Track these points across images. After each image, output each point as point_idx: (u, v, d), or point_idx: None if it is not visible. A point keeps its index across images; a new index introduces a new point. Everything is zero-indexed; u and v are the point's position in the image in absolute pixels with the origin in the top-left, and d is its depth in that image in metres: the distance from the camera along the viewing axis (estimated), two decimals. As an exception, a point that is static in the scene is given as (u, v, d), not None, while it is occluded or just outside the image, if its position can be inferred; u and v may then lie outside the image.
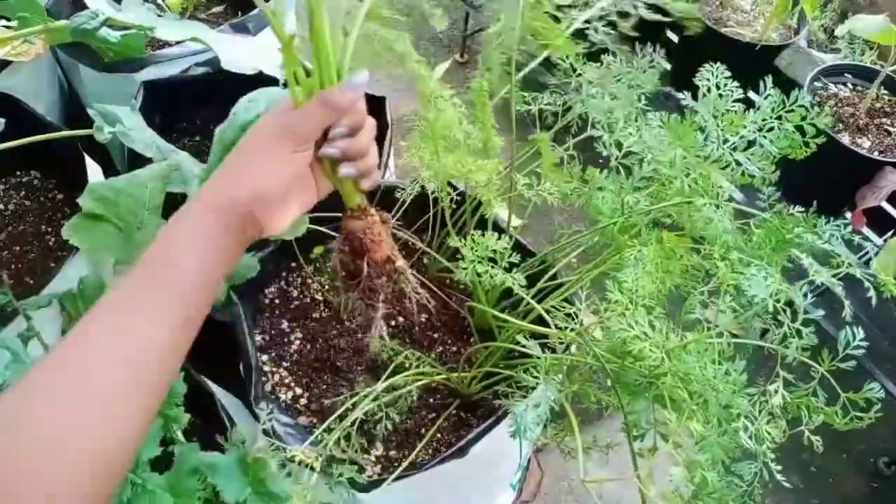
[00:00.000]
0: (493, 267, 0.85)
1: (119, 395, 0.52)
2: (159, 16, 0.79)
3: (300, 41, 0.66)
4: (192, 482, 0.95)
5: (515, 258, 0.92)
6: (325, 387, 1.30)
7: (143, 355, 0.54)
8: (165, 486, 0.93)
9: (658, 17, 0.90)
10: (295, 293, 1.43)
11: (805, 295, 0.81)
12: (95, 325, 0.55)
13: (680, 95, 0.94)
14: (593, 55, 1.08)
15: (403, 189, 1.31)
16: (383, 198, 1.37)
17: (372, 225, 0.73)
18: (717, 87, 0.93)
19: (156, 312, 0.56)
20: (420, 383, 1.15)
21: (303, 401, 1.28)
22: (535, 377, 0.91)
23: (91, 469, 0.50)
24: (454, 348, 1.35)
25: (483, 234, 0.79)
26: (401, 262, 0.74)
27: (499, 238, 0.83)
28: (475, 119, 0.78)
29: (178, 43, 1.76)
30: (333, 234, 1.18)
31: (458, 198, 1.18)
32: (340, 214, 0.74)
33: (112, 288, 0.58)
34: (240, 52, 1.32)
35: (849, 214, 1.88)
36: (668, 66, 2.38)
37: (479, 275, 0.86)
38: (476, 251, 0.78)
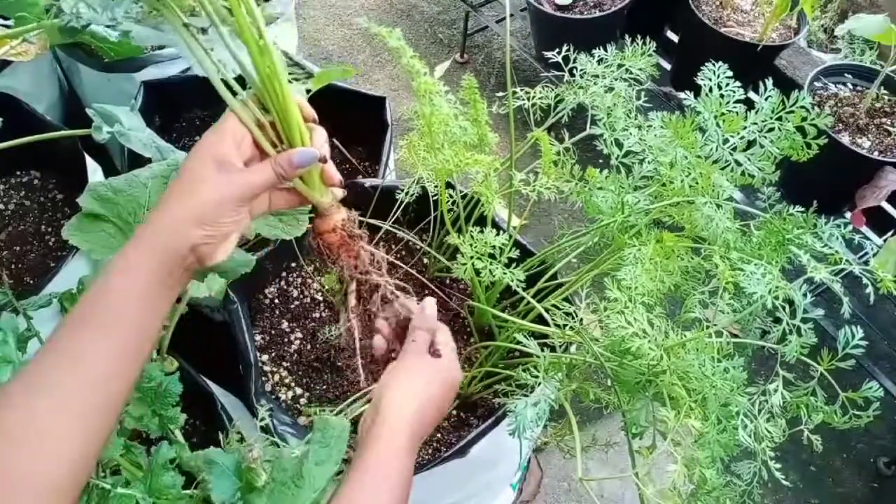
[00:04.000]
0: (491, 263, 0.85)
1: (58, 430, 0.56)
2: (137, 21, 0.79)
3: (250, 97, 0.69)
4: (167, 477, 0.94)
5: (514, 253, 0.92)
6: (325, 387, 1.30)
7: (83, 383, 0.58)
8: (143, 488, 0.92)
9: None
10: (295, 293, 1.43)
11: (805, 294, 0.81)
12: (53, 363, 0.58)
13: (681, 95, 0.94)
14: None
15: (402, 190, 1.31)
16: (383, 198, 1.37)
17: (341, 224, 0.74)
18: (719, 87, 0.93)
19: (102, 347, 0.59)
20: (420, 383, 1.15)
21: (303, 401, 1.28)
22: (535, 376, 0.91)
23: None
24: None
25: (482, 231, 0.79)
26: (374, 268, 0.76)
27: (497, 235, 0.83)
28: (470, 116, 0.78)
29: (178, 43, 1.76)
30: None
31: (459, 198, 1.18)
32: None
33: (55, 330, 0.61)
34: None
35: (849, 214, 1.88)
36: (668, 66, 2.39)
37: (477, 272, 0.86)
38: (475, 247, 0.78)
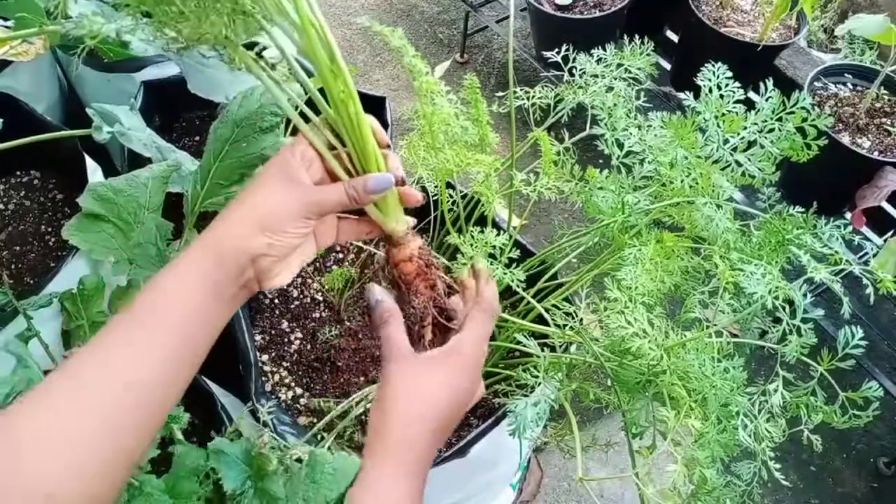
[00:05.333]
0: (491, 263, 0.85)
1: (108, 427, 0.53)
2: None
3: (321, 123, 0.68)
4: (191, 483, 0.95)
5: (514, 254, 0.92)
6: (325, 387, 1.30)
7: (124, 388, 0.54)
8: (164, 488, 0.93)
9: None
10: (295, 293, 1.43)
11: (805, 294, 0.81)
12: (81, 360, 0.55)
13: (681, 95, 0.94)
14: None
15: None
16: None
17: (418, 252, 0.71)
18: (719, 87, 0.93)
19: (139, 349, 0.56)
20: (420, 383, 1.15)
21: (303, 401, 1.28)
22: (535, 376, 0.91)
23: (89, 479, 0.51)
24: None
25: (482, 231, 0.79)
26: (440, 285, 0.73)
27: (498, 235, 0.83)
28: (471, 116, 0.78)
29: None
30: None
31: (459, 198, 1.18)
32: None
33: (102, 330, 0.58)
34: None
35: (849, 214, 1.88)
36: (668, 66, 2.39)
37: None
38: (475, 247, 0.78)
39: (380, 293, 0.70)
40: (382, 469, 0.62)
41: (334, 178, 0.68)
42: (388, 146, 0.70)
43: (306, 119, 0.68)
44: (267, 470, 0.91)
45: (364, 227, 0.72)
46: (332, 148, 0.68)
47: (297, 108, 0.68)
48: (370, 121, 0.67)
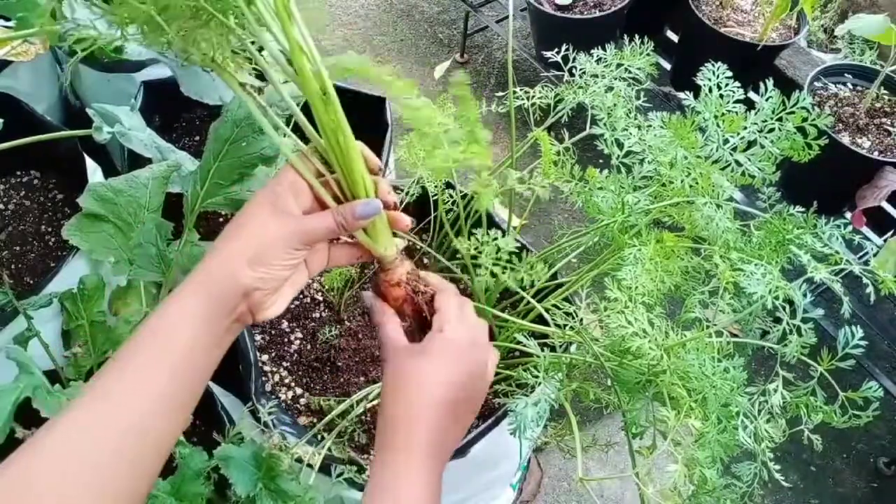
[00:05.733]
0: (503, 272, 0.84)
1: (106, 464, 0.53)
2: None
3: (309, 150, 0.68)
4: (196, 485, 0.95)
5: (515, 260, 0.92)
6: (325, 387, 1.30)
7: (122, 429, 0.54)
8: (170, 490, 0.93)
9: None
10: (295, 293, 1.43)
11: (805, 294, 0.81)
12: (78, 405, 0.55)
13: (681, 95, 0.94)
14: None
15: (402, 190, 1.31)
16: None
17: (405, 278, 0.71)
18: (719, 87, 0.93)
19: (135, 393, 0.56)
20: (420, 383, 1.15)
21: (303, 401, 1.28)
22: (535, 376, 0.91)
23: None
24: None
25: (487, 234, 0.79)
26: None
27: (503, 236, 0.83)
28: (460, 114, 0.78)
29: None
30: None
31: (459, 198, 1.18)
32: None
33: (103, 367, 0.58)
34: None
35: (849, 214, 1.88)
36: (668, 66, 2.39)
37: (494, 275, 0.85)
38: (480, 252, 0.78)
39: (370, 297, 0.71)
40: (396, 466, 0.61)
41: (324, 205, 0.68)
42: (380, 169, 0.69)
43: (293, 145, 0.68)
44: (278, 470, 0.91)
45: (355, 251, 0.72)
46: (321, 175, 0.68)
47: (285, 134, 0.69)
48: (360, 147, 0.67)
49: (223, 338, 0.62)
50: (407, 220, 0.71)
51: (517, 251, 0.82)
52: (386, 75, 0.63)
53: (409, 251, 1.45)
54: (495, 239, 0.81)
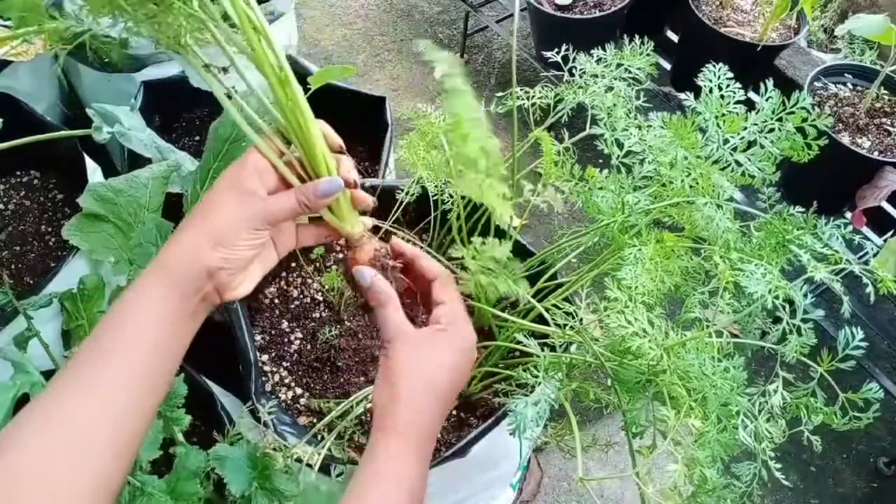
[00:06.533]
0: (496, 277, 0.84)
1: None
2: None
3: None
4: (192, 485, 0.95)
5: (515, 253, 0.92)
6: (325, 387, 1.30)
7: (95, 418, 0.55)
8: (165, 488, 0.93)
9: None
10: (295, 293, 1.43)
11: (805, 294, 0.81)
12: (48, 395, 0.55)
13: (682, 95, 0.94)
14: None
15: (402, 190, 1.31)
16: (383, 198, 1.37)
17: (373, 254, 0.72)
18: (719, 88, 0.93)
19: (107, 381, 0.56)
20: (420, 383, 1.14)
21: (303, 401, 1.28)
22: (535, 376, 0.91)
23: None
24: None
25: (484, 242, 0.79)
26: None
27: (501, 242, 0.83)
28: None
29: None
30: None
31: (459, 198, 1.18)
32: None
33: (71, 358, 0.58)
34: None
35: (849, 214, 1.88)
36: (668, 66, 2.39)
37: (480, 286, 0.85)
38: (478, 260, 0.77)
39: (371, 275, 0.70)
40: (388, 444, 0.62)
41: (289, 185, 0.68)
42: (342, 148, 0.70)
43: (258, 128, 0.69)
44: (273, 469, 0.91)
45: (323, 230, 0.73)
46: (283, 155, 0.68)
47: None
48: (321, 126, 0.67)
49: (191, 320, 0.63)
50: (369, 200, 0.72)
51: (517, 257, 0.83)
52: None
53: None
54: (484, 243, 0.81)
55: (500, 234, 0.91)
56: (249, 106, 0.69)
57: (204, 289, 0.62)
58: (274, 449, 0.97)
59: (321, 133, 0.67)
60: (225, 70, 0.71)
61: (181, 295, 0.61)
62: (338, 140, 0.69)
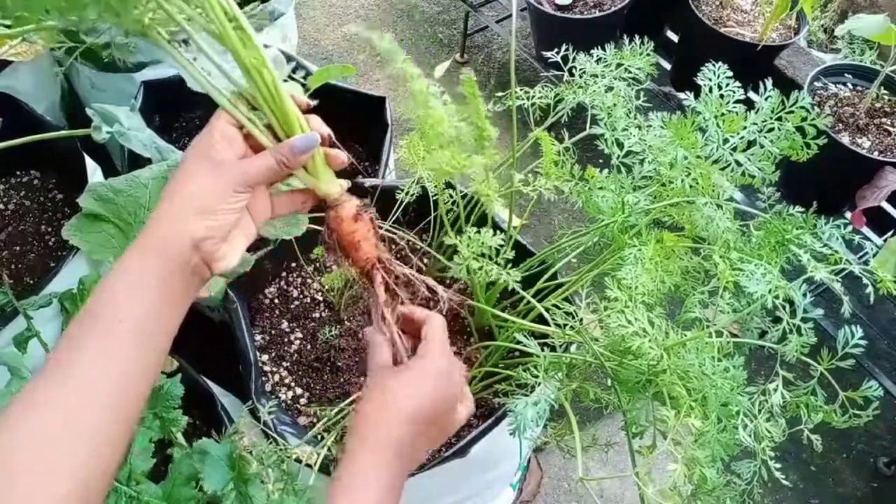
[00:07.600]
0: (487, 263, 0.85)
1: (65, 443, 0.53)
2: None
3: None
4: (187, 490, 0.94)
5: (511, 254, 0.92)
6: (325, 387, 1.30)
7: (85, 401, 0.55)
8: (161, 495, 0.92)
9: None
10: (295, 293, 1.43)
11: (804, 294, 0.81)
12: (38, 381, 0.55)
13: (681, 95, 0.94)
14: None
15: (402, 190, 1.31)
16: (383, 198, 1.37)
17: (356, 210, 0.72)
18: (719, 87, 0.93)
19: (99, 362, 0.56)
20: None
21: (303, 401, 1.28)
22: (535, 376, 0.91)
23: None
24: (454, 348, 1.35)
25: (479, 232, 0.79)
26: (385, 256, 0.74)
27: (494, 234, 0.83)
28: (468, 113, 0.78)
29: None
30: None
31: (459, 198, 1.18)
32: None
33: (57, 343, 0.58)
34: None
35: (849, 214, 1.88)
36: (668, 66, 2.39)
37: (469, 270, 0.86)
38: (471, 248, 0.78)
39: (373, 331, 0.74)
40: (363, 464, 0.64)
41: (257, 149, 0.68)
42: (309, 107, 0.70)
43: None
44: (248, 473, 0.91)
45: (298, 197, 0.72)
46: (252, 122, 0.67)
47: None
48: (287, 87, 0.67)
49: (183, 295, 0.62)
50: (343, 157, 0.71)
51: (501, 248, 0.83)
52: (412, 71, 0.62)
53: (409, 251, 1.45)
54: (478, 232, 0.81)
55: (498, 229, 0.91)
56: (213, 79, 0.68)
57: (192, 261, 0.62)
58: (250, 452, 0.96)
59: (289, 94, 0.67)
60: (186, 42, 0.70)
61: (170, 269, 0.60)
62: (304, 99, 0.70)
